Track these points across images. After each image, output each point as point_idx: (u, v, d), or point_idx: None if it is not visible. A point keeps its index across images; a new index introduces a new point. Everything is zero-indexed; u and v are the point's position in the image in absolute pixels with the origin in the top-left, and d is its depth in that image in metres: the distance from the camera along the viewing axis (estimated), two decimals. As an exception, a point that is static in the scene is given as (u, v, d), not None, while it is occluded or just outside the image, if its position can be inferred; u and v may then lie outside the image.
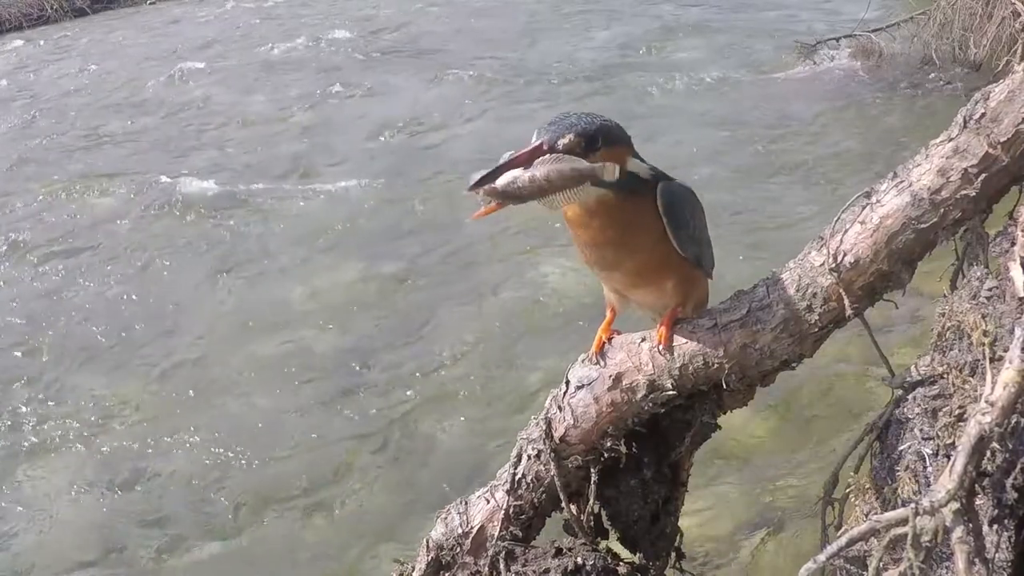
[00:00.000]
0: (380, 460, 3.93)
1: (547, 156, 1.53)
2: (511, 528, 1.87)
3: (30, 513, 3.90)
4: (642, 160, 1.66)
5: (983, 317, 1.60)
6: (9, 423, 4.51)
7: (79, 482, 4.04)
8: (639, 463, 1.89)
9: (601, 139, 1.56)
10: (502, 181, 1.50)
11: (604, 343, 1.84)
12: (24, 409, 4.61)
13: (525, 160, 1.53)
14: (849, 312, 1.69)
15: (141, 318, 5.31)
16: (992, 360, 1.51)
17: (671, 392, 1.77)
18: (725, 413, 1.88)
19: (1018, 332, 1.45)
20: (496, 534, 1.87)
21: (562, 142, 1.53)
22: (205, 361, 4.81)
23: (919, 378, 1.71)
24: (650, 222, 1.65)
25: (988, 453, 1.44)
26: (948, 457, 1.52)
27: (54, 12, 14.98)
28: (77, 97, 10.12)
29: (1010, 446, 1.47)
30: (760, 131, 6.77)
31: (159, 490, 3.95)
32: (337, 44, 10.87)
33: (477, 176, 1.51)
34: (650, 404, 1.79)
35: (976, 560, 1.37)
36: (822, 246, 1.73)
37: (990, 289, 1.64)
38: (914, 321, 3.82)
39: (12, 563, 3.66)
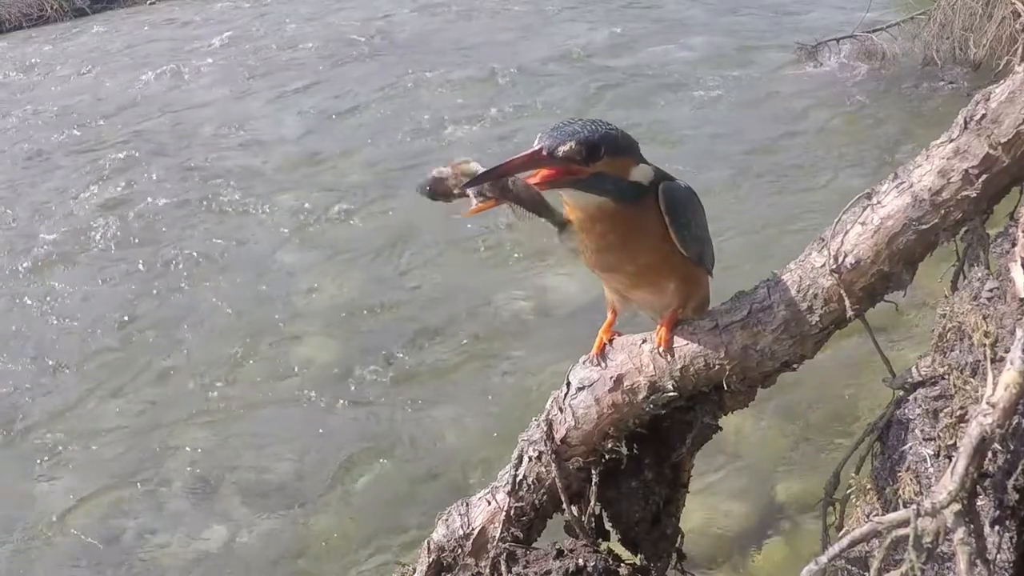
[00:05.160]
0: (381, 461, 3.93)
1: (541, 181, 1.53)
2: (512, 530, 1.87)
3: (32, 510, 3.91)
4: (647, 164, 1.66)
5: (984, 318, 1.60)
6: (11, 422, 4.51)
7: (80, 480, 4.05)
8: (640, 464, 1.89)
9: (604, 148, 1.53)
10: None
11: (605, 344, 1.84)
12: (25, 409, 4.61)
13: (522, 164, 1.53)
14: (850, 313, 1.69)
15: (142, 319, 5.30)
16: (993, 361, 1.51)
17: (672, 393, 1.77)
18: (726, 414, 1.88)
19: (1019, 333, 1.45)
20: (497, 536, 1.87)
21: (563, 149, 1.50)
22: (206, 362, 4.80)
23: (920, 379, 1.71)
24: (652, 225, 1.65)
25: (989, 454, 1.45)
26: (949, 458, 1.52)
27: (54, 12, 14.96)
28: (76, 97, 10.10)
29: (1011, 447, 1.47)
30: (760, 132, 6.76)
31: (159, 489, 3.95)
32: (335, 44, 10.85)
33: (476, 174, 1.52)
34: (651, 405, 1.79)
35: (978, 561, 1.37)
36: (823, 247, 1.73)
37: (991, 290, 1.64)
38: (915, 322, 3.82)
39: (14, 560, 3.66)
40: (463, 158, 1.58)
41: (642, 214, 1.63)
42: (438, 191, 1.58)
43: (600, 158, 1.53)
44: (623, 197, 1.58)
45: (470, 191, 1.52)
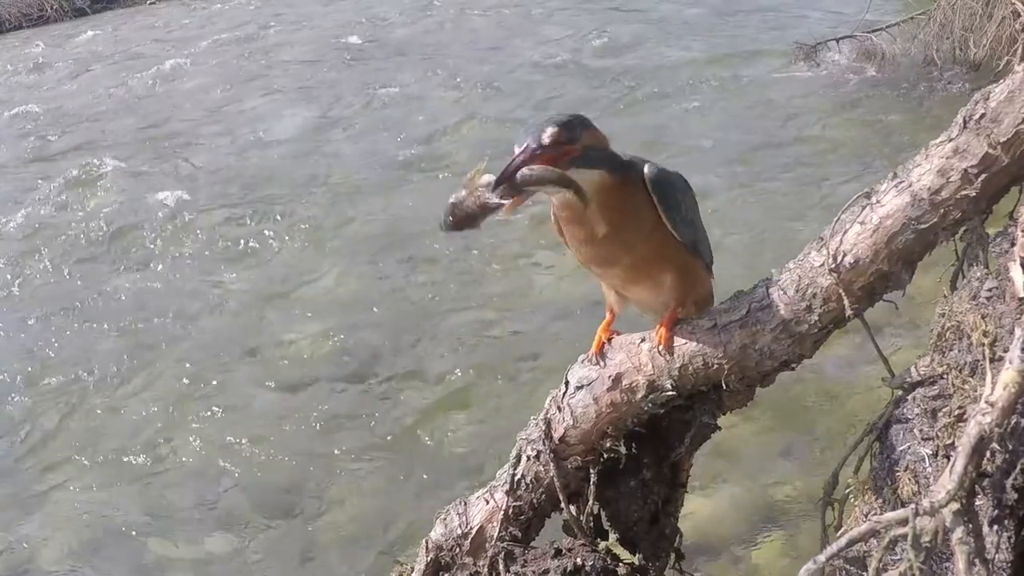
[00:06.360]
0: (380, 461, 3.93)
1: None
2: (510, 529, 1.87)
3: (36, 507, 3.91)
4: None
5: (983, 317, 1.59)
6: (15, 420, 4.52)
7: (84, 478, 4.05)
8: (639, 464, 1.89)
9: (578, 125, 1.62)
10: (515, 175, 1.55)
11: (604, 343, 1.84)
12: (31, 408, 4.62)
13: (523, 162, 1.56)
14: (849, 312, 1.69)
15: (145, 319, 5.30)
16: (992, 360, 1.51)
17: (671, 393, 1.77)
18: (725, 414, 1.88)
19: (1018, 332, 1.45)
20: (495, 535, 1.87)
21: (547, 137, 1.57)
22: (209, 363, 4.80)
23: (919, 378, 1.71)
24: (644, 211, 1.67)
25: (988, 454, 1.44)
26: (948, 457, 1.52)
27: (54, 12, 14.98)
28: (76, 97, 10.11)
29: (1010, 447, 1.47)
30: (759, 133, 6.76)
31: (163, 488, 3.95)
32: (334, 44, 10.86)
33: (492, 182, 1.56)
34: (650, 405, 1.79)
35: (976, 560, 1.37)
36: (822, 246, 1.72)
37: (990, 289, 1.64)
38: (914, 321, 3.82)
39: (17, 557, 3.66)
40: (473, 170, 1.60)
41: (633, 198, 1.66)
42: (459, 217, 1.60)
43: (581, 134, 1.61)
44: (614, 168, 1.64)
45: (492, 196, 1.56)
